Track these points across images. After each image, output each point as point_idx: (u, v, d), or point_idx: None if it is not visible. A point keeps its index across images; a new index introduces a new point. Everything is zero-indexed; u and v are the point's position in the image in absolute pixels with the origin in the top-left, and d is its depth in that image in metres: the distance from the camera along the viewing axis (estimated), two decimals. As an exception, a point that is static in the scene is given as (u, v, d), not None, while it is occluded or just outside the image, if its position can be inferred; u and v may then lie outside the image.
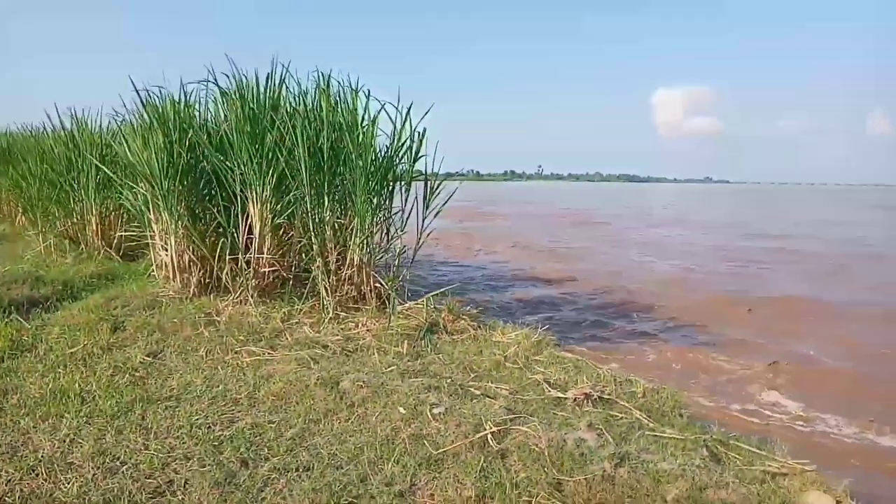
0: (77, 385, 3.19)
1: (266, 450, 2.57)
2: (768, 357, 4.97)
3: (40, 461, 2.42)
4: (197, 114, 5.43)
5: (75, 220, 7.55)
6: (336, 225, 4.81)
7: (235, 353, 3.78)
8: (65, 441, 2.60)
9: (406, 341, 4.05)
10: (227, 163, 4.91)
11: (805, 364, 4.90)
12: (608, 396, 3.27)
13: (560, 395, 3.26)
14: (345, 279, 4.76)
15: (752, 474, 2.51)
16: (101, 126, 7.39)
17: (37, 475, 2.32)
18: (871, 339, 5.72)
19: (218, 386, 3.25)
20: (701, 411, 3.72)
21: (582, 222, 20.47)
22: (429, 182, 4.85)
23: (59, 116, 7.79)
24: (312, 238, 4.72)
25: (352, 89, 4.77)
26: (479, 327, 4.59)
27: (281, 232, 5.05)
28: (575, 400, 3.19)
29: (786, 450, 2.78)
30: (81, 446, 2.54)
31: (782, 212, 30.72)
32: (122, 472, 2.36)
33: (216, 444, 2.61)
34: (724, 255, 12.00)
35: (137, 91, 5.26)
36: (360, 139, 4.61)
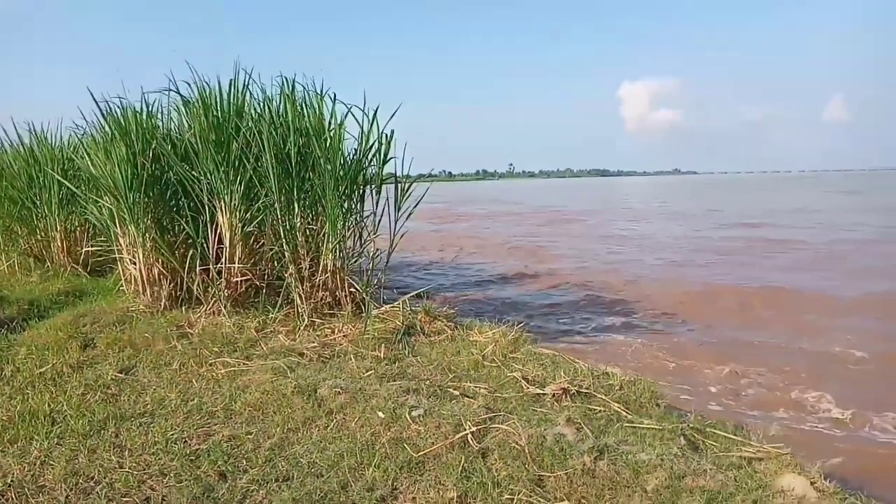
0: (47, 405, 3.12)
1: (244, 461, 2.54)
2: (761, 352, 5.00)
3: (10, 486, 2.36)
4: (160, 124, 5.34)
5: (39, 237, 7.39)
6: (307, 231, 4.77)
7: (210, 365, 3.72)
8: (35, 464, 2.54)
9: (383, 345, 4.02)
10: (194, 172, 4.83)
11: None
12: (586, 390, 3.29)
13: (538, 391, 3.27)
14: (319, 285, 4.72)
15: (728, 460, 2.55)
16: (61, 140, 7.25)
17: (6, 500, 2.26)
18: (872, 329, 5.65)
19: (193, 399, 3.21)
20: (677, 402, 3.78)
21: (558, 220, 20.46)
22: (399, 184, 4.84)
23: (16, 131, 7.62)
24: (284, 245, 4.67)
25: (317, 94, 4.73)
26: (456, 328, 4.58)
27: (252, 240, 4.99)
28: (553, 395, 3.20)
29: (761, 434, 2.83)
30: (53, 468, 2.49)
31: (753, 201, 31.00)
32: (97, 491, 2.32)
33: (193, 458, 2.57)
34: (707, 246, 12.09)
35: (97, 103, 5.16)
36: (328, 143, 4.58)
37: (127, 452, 2.63)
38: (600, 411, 3.06)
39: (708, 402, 3.93)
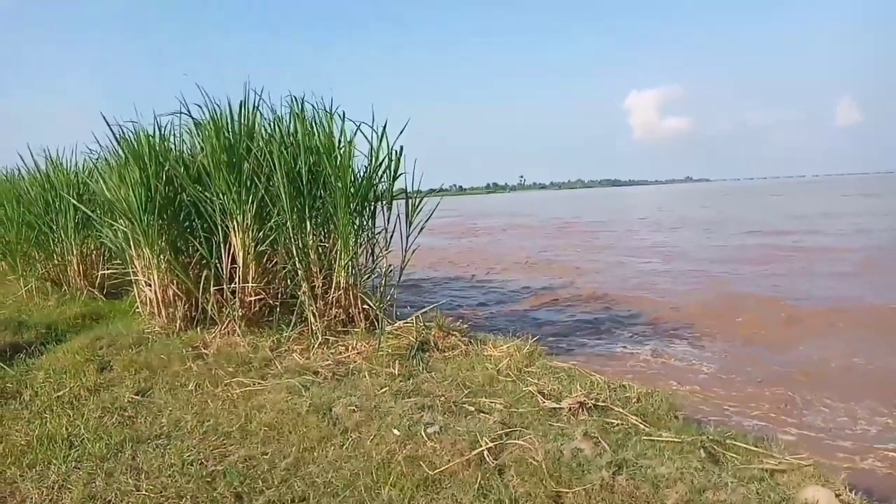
0: (64, 429, 3.13)
1: (260, 482, 2.53)
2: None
3: (28, 511, 2.36)
4: (173, 146, 5.41)
5: (56, 261, 7.46)
6: (320, 248, 4.79)
7: (225, 385, 3.73)
8: (53, 488, 2.55)
9: (397, 361, 4.01)
10: (206, 193, 4.88)
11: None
12: (603, 404, 3.25)
13: (555, 405, 3.24)
14: (332, 303, 4.72)
15: (750, 473, 2.50)
16: (76, 165, 7.37)
17: (26, 526, 2.26)
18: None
19: (209, 420, 3.21)
20: (696, 413, 3.73)
21: (577, 232, 19.83)
22: (410, 199, 4.85)
23: (32, 157, 7.75)
24: (297, 263, 4.69)
25: (327, 112, 4.76)
26: (471, 342, 4.56)
27: (265, 259, 5.01)
28: (570, 409, 3.17)
29: (783, 446, 2.78)
30: (71, 492, 2.49)
31: (774, 207, 30.39)
32: (114, 515, 2.31)
33: (209, 479, 2.57)
34: (739, 256, 11.57)
35: (111, 127, 5.23)
36: (339, 161, 4.60)
37: (144, 475, 2.63)
38: (618, 425, 3.02)
39: (745, 420, 3.87)
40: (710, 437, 2.84)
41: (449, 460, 2.62)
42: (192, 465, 2.70)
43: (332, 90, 4.82)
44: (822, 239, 13.57)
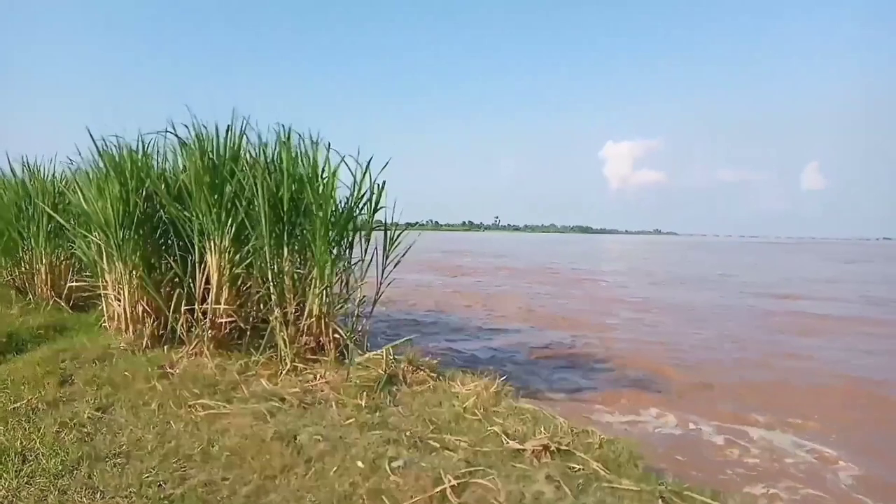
0: (19, 443, 3.07)
1: (220, 508, 2.51)
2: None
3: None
4: (155, 163, 5.41)
5: (24, 269, 7.34)
6: (295, 275, 4.79)
7: (189, 406, 3.68)
8: (2, 503, 2.48)
9: (365, 393, 4.01)
10: (186, 213, 4.88)
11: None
12: (566, 448, 3.29)
13: (519, 447, 3.27)
14: (303, 330, 4.71)
15: (705, 524, 2.55)
16: (54, 174, 7.29)
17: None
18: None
19: (170, 441, 3.17)
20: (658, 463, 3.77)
21: (571, 279, 19.25)
22: (388, 232, 4.90)
23: (9, 163, 7.66)
24: (271, 288, 4.69)
25: (312, 142, 4.83)
26: (439, 378, 4.58)
27: (239, 282, 5.00)
28: (533, 452, 3.20)
29: (738, 499, 2.84)
30: (21, 509, 2.43)
31: (760, 266, 30.08)
32: (65, 535, 2.26)
33: (167, 502, 2.53)
34: (750, 321, 10.89)
35: (94, 140, 5.23)
36: (321, 190, 4.65)
37: (99, 494, 2.58)
38: (579, 470, 3.05)
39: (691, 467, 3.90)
40: (669, 488, 2.89)
41: (412, 496, 2.63)
42: (150, 487, 2.66)
43: (308, 122, 4.87)
44: (831, 307, 12.90)
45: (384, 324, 8.64)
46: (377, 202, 4.86)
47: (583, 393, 5.60)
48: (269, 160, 4.90)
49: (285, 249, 4.73)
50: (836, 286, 18.71)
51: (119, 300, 5.13)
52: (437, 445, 3.26)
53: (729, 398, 5.64)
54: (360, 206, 4.87)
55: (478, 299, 12.91)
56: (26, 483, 2.67)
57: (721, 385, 6.11)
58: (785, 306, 12.95)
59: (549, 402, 4.96)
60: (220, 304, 4.81)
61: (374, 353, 4.70)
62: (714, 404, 5.42)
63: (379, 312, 5.51)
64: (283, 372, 4.42)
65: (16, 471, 2.77)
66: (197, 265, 4.85)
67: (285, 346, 4.62)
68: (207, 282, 4.85)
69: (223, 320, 4.85)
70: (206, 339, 4.73)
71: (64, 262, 7.14)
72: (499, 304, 12.15)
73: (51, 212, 6.57)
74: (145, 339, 4.98)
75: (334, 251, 4.77)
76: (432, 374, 4.60)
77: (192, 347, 4.74)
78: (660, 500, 2.73)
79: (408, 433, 3.40)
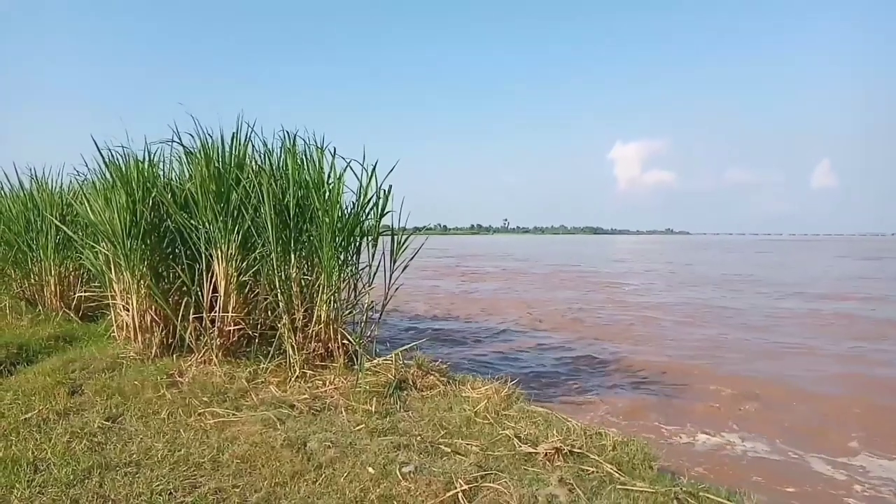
0: (30, 453, 3.06)
1: (230, 517, 2.49)
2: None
3: (-13, 537, 2.29)
4: (161, 173, 5.42)
5: (33, 280, 7.37)
6: (303, 281, 4.79)
7: (199, 414, 3.68)
8: (15, 514, 2.47)
9: (375, 399, 3.99)
10: (193, 221, 4.88)
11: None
12: (579, 450, 3.25)
13: (531, 450, 3.24)
14: (312, 336, 4.70)
15: (723, 526, 2.50)
16: (61, 185, 7.34)
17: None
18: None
19: (180, 450, 3.15)
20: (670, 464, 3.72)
21: (596, 283, 18.50)
22: (395, 237, 4.89)
23: (17, 176, 7.72)
24: (279, 295, 4.68)
25: (318, 147, 4.82)
26: (449, 382, 4.55)
27: (246, 289, 5.00)
28: (545, 455, 3.17)
29: (755, 499, 2.79)
30: (33, 519, 2.42)
31: (780, 265, 29.31)
32: (77, 545, 2.25)
33: (178, 511, 2.52)
34: (794, 322, 10.54)
35: (100, 150, 5.25)
36: (327, 196, 4.64)
37: (110, 503, 2.57)
38: (593, 472, 3.01)
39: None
40: (684, 489, 2.84)
41: (423, 501, 2.60)
42: (160, 496, 2.64)
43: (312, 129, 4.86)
44: (872, 307, 12.52)
45: (395, 329, 8.63)
46: (384, 206, 4.84)
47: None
48: (274, 167, 4.90)
49: (292, 256, 4.73)
50: (861, 283, 18.36)
51: (127, 310, 5.13)
52: (448, 450, 3.23)
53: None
54: (367, 210, 4.86)
55: (484, 305, 12.85)
56: (38, 493, 2.66)
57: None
58: (834, 307, 12.38)
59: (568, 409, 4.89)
60: (227, 311, 4.80)
61: (384, 358, 4.69)
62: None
63: (387, 317, 5.46)
64: (292, 379, 4.41)
65: (28, 481, 2.76)
66: (204, 273, 4.85)
67: (294, 353, 4.61)
68: (215, 290, 4.85)
69: (231, 328, 4.85)
70: (214, 347, 4.72)
71: (72, 273, 7.18)
72: (500, 309, 12.14)
73: (58, 224, 6.61)
74: (154, 347, 4.98)
75: (341, 256, 4.75)
76: (442, 379, 4.58)
77: (200, 356, 4.73)
78: (675, 502, 2.69)
79: (418, 438, 3.37)
